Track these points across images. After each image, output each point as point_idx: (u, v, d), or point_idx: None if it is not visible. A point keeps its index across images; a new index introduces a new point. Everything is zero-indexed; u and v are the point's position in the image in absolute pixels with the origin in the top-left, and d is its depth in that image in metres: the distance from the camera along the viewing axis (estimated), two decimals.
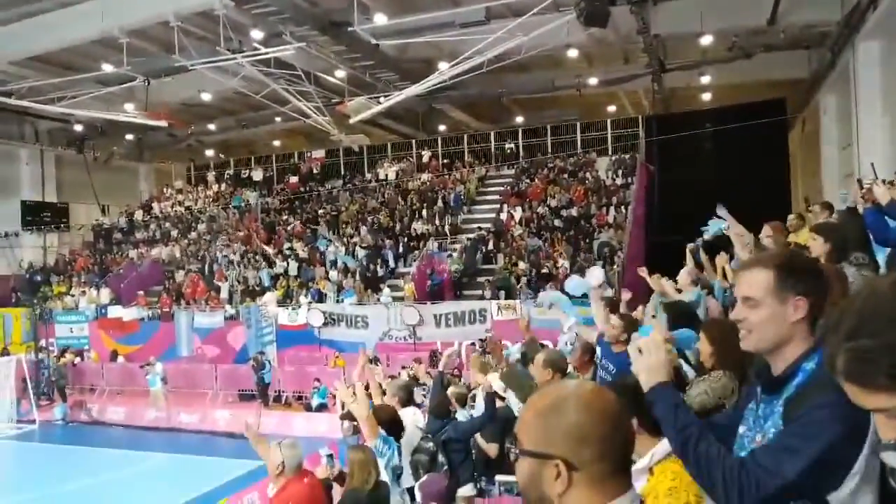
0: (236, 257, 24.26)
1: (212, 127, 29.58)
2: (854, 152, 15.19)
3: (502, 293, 18.01)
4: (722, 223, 6.36)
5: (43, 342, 21.05)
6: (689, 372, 3.48)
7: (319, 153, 29.99)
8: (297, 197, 27.88)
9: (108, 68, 20.46)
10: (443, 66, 18.50)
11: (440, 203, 24.23)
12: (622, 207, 21.04)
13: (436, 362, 12.74)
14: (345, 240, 23.46)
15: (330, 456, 5.32)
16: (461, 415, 6.32)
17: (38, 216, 29.50)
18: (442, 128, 29.51)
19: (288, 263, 22.67)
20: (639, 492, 1.42)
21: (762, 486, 1.57)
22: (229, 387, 18.15)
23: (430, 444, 5.45)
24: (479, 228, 22.12)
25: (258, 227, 26.31)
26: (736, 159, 20.33)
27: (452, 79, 18.41)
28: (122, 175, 33.47)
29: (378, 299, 19.52)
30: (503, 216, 22.50)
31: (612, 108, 27.58)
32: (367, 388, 6.31)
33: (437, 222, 23.23)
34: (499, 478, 5.80)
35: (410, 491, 5.04)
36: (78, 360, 20.29)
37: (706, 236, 7.23)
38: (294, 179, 29.17)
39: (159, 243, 27.22)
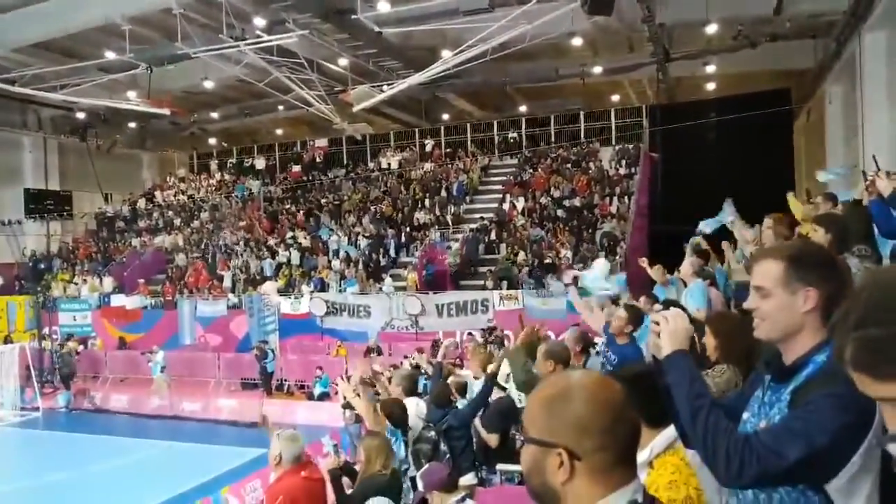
0: (239, 246, 24.28)
1: (214, 115, 29.52)
2: (859, 143, 15.10)
3: (504, 283, 18.00)
4: (727, 217, 6.36)
5: (46, 330, 21.15)
6: None
7: (322, 142, 29.93)
8: (299, 186, 27.84)
9: (110, 56, 20.42)
10: (446, 54, 18.40)
11: (443, 192, 24.18)
12: (625, 198, 20.97)
13: (437, 352, 12.77)
14: (347, 229, 23.45)
15: (335, 446, 5.30)
16: (461, 404, 6.35)
17: (41, 204, 29.53)
18: (445, 117, 29.40)
19: (290, 252, 22.68)
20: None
21: (763, 464, 1.58)
22: (232, 375, 18.19)
23: (432, 434, 5.47)
24: (482, 218, 22.08)
25: (261, 216, 26.30)
26: (740, 150, 20.21)
27: (456, 67, 18.32)
28: (125, 163, 33.46)
29: (380, 289, 19.53)
30: (506, 206, 22.45)
31: (615, 98, 27.44)
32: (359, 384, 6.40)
33: (439, 212, 23.19)
34: (500, 466, 5.81)
35: (413, 480, 5.05)
36: (81, 348, 20.34)
37: (707, 230, 7.22)
38: (296, 168, 29.12)
39: (162, 232, 27.24)
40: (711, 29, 18.17)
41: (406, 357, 14.50)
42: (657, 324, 1.90)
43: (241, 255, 23.65)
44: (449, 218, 22.68)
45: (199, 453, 13.04)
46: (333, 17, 17.63)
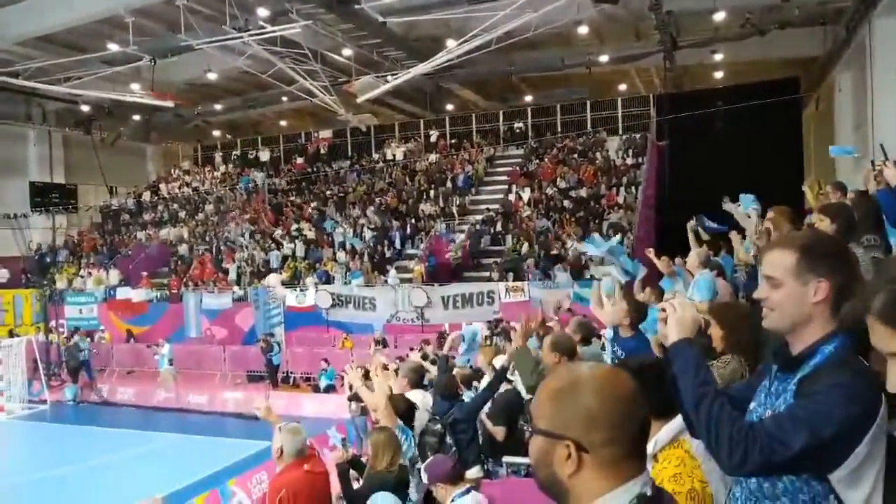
0: (244, 239, 24.26)
1: (218, 107, 29.47)
2: (868, 131, 14.93)
3: (510, 275, 17.93)
4: (749, 205, 6.26)
5: (53, 323, 21.21)
6: None
7: (326, 133, 29.86)
8: (304, 178, 27.78)
9: (113, 48, 20.35)
10: (451, 43, 18.27)
11: (448, 184, 24.08)
12: (632, 188, 20.84)
13: (443, 344, 12.73)
14: (352, 221, 23.40)
15: (343, 440, 5.30)
16: (467, 396, 6.30)
17: (46, 197, 29.59)
18: (450, 107, 29.26)
19: (295, 245, 22.65)
20: None
21: (766, 453, 1.58)
22: (238, 368, 18.20)
23: (438, 426, 5.42)
24: (488, 210, 21.98)
25: (266, 209, 26.27)
26: (749, 139, 20.05)
27: (461, 57, 18.18)
28: (130, 156, 33.47)
29: (385, 281, 19.49)
30: (511, 197, 22.35)
31: (622, 87, 27.25)
32: (366, 375, 6.33)
33: (444, 203, 23.10)
34: (506, 459, 5.77)
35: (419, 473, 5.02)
36: (89, 341, 20.37)
37: (708, 225, 7.13)
38: (301, 160, 29.06)
39: (167, 225, 27.25)
40: (719, 17, 17.96)
41: (412, 349, 14.47)
42: (664, 311, 1.90)
43: (247, 247, 23.63)
44: (454, 209, 22.60)
45: (205, 445, 13.08)
46: (337, 7, 17.53)
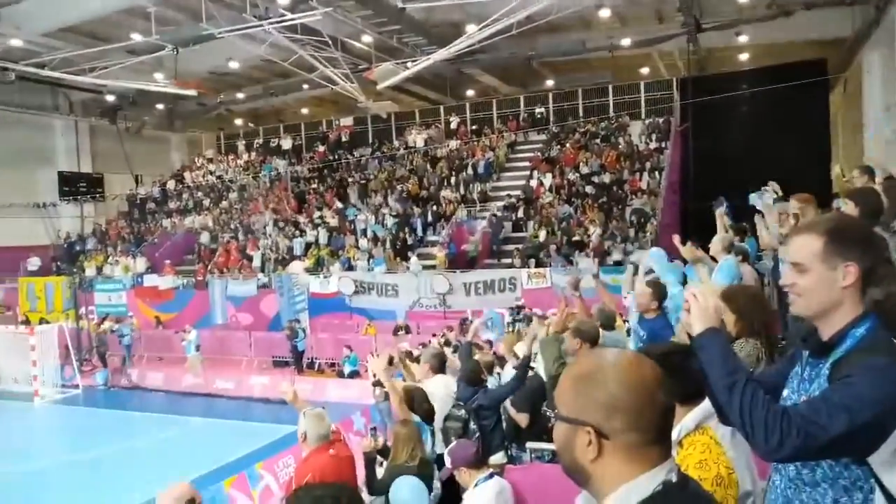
0: (268, 226, 24.51)
1: (240, 96, 29.64)
2: None
3: (532, 261, 17.92)
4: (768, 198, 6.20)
5: (83, 310, 21.65)
6: None
7: (347, 121, 29.94)
8: (325, 165, 27.93)
9: (136, 38, 20.55)
10: (471, 28, 18.18)
11: (469, 170, 24.06)
12: (656, 173, 20.65)
13: (465, 330, 12.80)
14: (373, 208, 23.51)
15: (374, 429, 5.32)
16: (491, 382, 6.34)
17: (74, 186, 30.09)
18: (470, 93, 29.14)
19: (318, 232, 22.84)
20: None
21: (803, 437, 1.57)
22: (264, 354, 18.48)
23: (462, 412, 5.46)
24: (509, 196, 21.94)
25: (288, 196, 26.47)
26: (775, 122, 19.71)
27: (481, 42, 18.10)
28: (154, 145, 33.89)
29: (408, 268, 19.60)
30: (533, 183, 22.28)
31: (645, 70, 26.90)
32: (390, 362, 6.37)
33: (465, 190, 23.10)
34: (530, 445, 5.81)
35: (440, 459, 5.07)
36: (117, 326, 20.80)
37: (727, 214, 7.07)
38: (322, 148, 29.20)
39: (192, 212, 27.60)
40: None
41: (434, 335, 14.58)
42: (687, 301, 1.87)
43: (270, 235, 23.88)
44: (475, 196, 22.59)
45: (232, 429, 13.30)
46: None
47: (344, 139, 29.30)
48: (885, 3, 15.32)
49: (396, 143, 28.06)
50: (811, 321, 1.82)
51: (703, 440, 2.23)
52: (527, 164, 23.93)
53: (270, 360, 18.32)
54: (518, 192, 22.00)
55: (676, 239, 7.09)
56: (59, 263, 26.04)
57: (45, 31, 21.71)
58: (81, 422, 15.31)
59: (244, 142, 32.56)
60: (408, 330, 16.97)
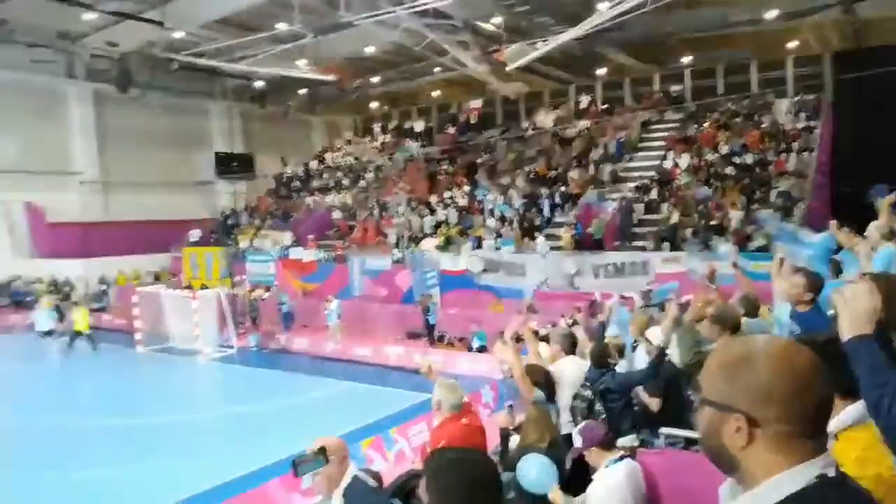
0: (402, 205, 25.58)
1: (375, 80, 30.89)
2: None
3: (666, 245, 17.52)
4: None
5: (237, 278, 23.81)
6: None
7: (477, 103, 30.38)
8: (455, 147, 28.59)
9: (282, 27, 22.00)
10: (602, 6, 17.88)
11: (599, 151, 23.75)
12: (804, 153, 19.41)
13: (594, 312, 12.87)
14: (502, 188, 23.85)
15: (510, 406, 5.42)
16: (620, 365, 6.29)
17: (228, 166, 32.87)
18: (601, 72, 28.59)
19: (448, 211, 23.55)
20: None
21: None
22: (397, 325, 19.46)
23: (588, 392, 5.46)
24: (641, 177, 21.49)
25: (420, 177, 27.42)
26: None
27: (613, 20, 17.75)
28: (298, 128, 36.17)
29: (535, 248, 19.81)
30: (667, 164, 21.65)
31: (793, 45, 25.15)
32: (518, 339, 6.32)
33: (595, 171, 22.85)
34: (663, 430, 5.72)
35: (568, 438, 4.91)
36: (267, 294, 22.71)
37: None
38: (453, 129, 29.86)
39: (332, 191, 29.30)
40: None
41: (562, 316, 14.73)
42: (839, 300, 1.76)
43: (404, 213, 24.92)
44: (606, 177, 22.30)
45: (369, 394, 14.15)
46: None
47: (473, 121, 29.80)
48: None
49: (525, 124, 28.15)
50: None
51: (865, 436, 2.05)
52: (661, 143, 23.24)
53: (404, 332, 19.27)
54: (651, 173, 21.48)
55: (834, 225, 6.82)
56: (216, 235, 28.62)
57: (202, 23, 23.71)
58: (236, 379, 16.86)
59: (380, 124, 33.93)
60: (535, 309, 17.23)
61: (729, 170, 19.90)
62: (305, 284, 22.53)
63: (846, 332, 1.71)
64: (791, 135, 20.48)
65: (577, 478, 4.24)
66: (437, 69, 27.96)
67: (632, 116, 24.94)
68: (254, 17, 23.21)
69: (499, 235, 20.99)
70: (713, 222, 17.51)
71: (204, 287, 22.12)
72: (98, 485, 9.29)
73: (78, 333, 18.46)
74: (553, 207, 21.89)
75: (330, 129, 38.06)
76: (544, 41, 20.41)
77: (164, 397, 14.77)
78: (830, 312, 4.50)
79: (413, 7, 18.60)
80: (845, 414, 2.11)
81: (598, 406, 5.40)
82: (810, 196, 17.52)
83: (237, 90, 34.80)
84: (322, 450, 3.05)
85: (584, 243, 19.05)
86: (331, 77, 28.33)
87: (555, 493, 3.91)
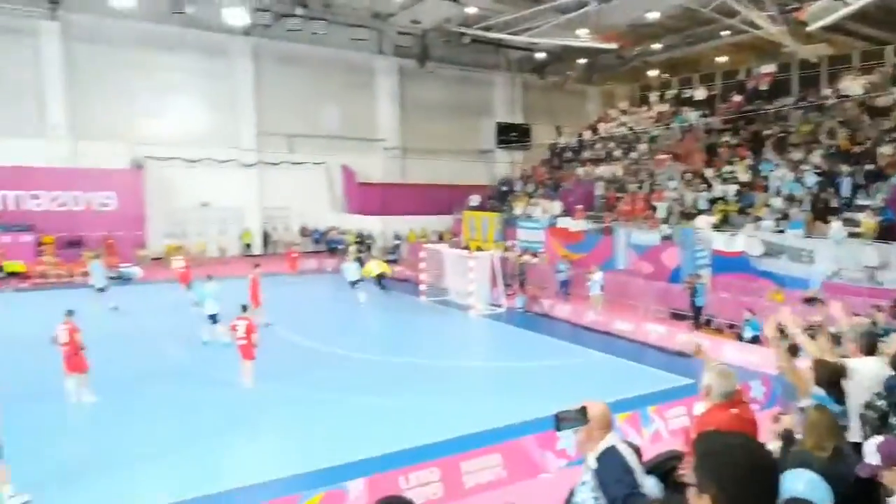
0: (674, 178, 24.72)
1: (657, 46, 29.86)
2: None
3: None
4: None
5: (509, 243, 25.43)
6: None
7: (769, 68, 27.69)
8: (740, 116, 26.54)
9: None
10: None
11: None
12: None
13: None
14: (792, 165, 21.68)
15: (802, 409, 5.03)
16: None
17: (507, 135, 34.75)
18: None
19: (727, 187, 22.18)
20: None
21: None
22: (661, 303, 19.17)
23: (883, 403, 4.95)
24: None
25: (698, 148, 26.10)
26: None
27: None
28: (574, 98, 36.70)
29: (828, 233, 17.83)
30: None
31: None
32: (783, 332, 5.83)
33: None
34: None
35: (857, 447, 4.38)
36: (535, 260, 23.95)
37: None
38: (738, 98, 27.69)
39: (603, 162, 29.35)
40: None
41: (856, 314, 13.25)
42: None
43: (676, 187, 24.08)
44: None
45: (626, 369, 14.30)
46: None
47: (763, 88, 27.25)
48: None
49: (826, 92, 24.97)
50: None
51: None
52: None
53: (667, 311, 18.93)
54: None
55: None
56: (493, 201, 30.71)
57: None
58: (502, 336, 18.20)
59: (657, 93, 32.82)
60: (818, 300, 15.63)
61: None
62: (571, 253, 23.19)
63: None
64: None
65: (861, 499, 3.67)
66: (724, 32, 26.11)
67: None
68: None
69: (784, 217, 19.25)
70: None
71: (479, 249, 24.14)
72: (380, 410, 11.15)
73: (377, 277, 22.51)
74: (855, 188, 19.33)
75: (605, 98, 37.85)
76: None
77: (439, 344, 16.76)
78: None
79: None
80: None
81: (893, 419, 4.90)
82: None
83: (519, 61, 36.34)
84: (583, 410, 3.21)
85: (893, 232, 16.66)
86: (611, 45, 28.15)
87: None
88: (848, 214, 18.43)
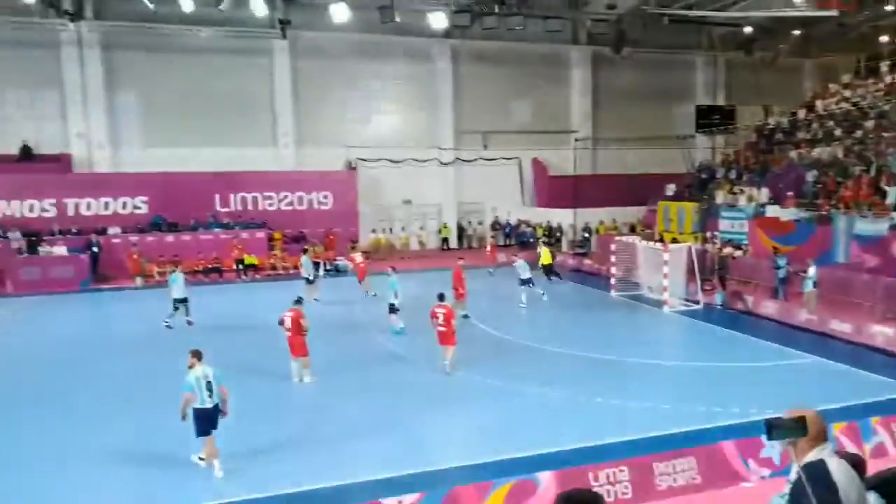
0: None
1: (889, 8, 26.29)
2: None
3: None
4: None
5: (708, 234, 24.10)
6: None
7: None
8: None
9: None
10: None
11: None
12: None
13: None
14: None
15: None
16: None
17: (708, 119, 32.82)
18: None
19: None
20: None
21: None
22: (889, 301, 17.11)
23: None
24: None
25: None
26: None
27: None
28: (786, 74, 33.59)
29: None
30: None
31: None
32: None
33: None
34: None
35: None
36: (738, 253, 22.46)
37: None
38: None
39: (821, 143, 26.56)
40: None
41: None
42: None
43: None
44: None
45: (844, 375, 13.07)
46: None
47: None
48: None
49: None
50: None
51: None
52: None
53: None
54: None
55: None
56: (691, 190, 29.24)
57: None
58: (698, 334, 17.43)
59: (889, 62, 28.84)
60: None
61: None
62: (780, 246, 21.41)
63: None
64: None
65: None
66: None
67: None
68: None
69: None
70: None
71: (675, 241, 23.17)
72: (571, 403, 11.44)
73: (544, 267, 23.09)
74: None
75: (823, 72, 34.08)
76: None
77: (632, 340, 16.51)
78: None
79: None
80: None
81: None
82: None
83: (723, 39, 34.07)
84: (802, 419, 3.02)
85: None
86: (831, 11, 25.32)
87: None
88: None
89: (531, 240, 31.25)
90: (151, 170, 28.29)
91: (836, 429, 8.94)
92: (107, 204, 27.79)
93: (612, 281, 22.24)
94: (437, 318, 13.34)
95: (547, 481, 7.71)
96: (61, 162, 28.58)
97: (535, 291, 20.58)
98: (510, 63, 33.71)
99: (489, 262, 26.39)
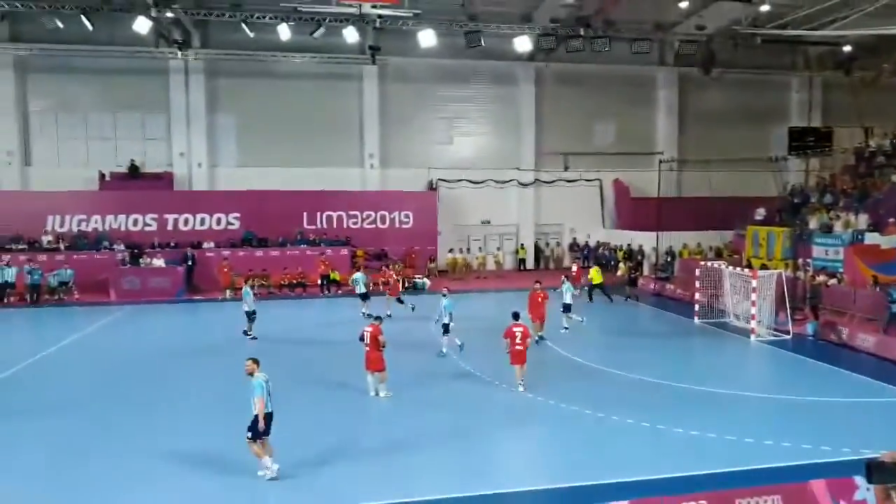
0: None
1: None
2: None
3: None
4: None
5: (800, 261, 22.97)
6: None
7: None
8: None
9: None
10: None
11: None
12: None
13: None
14: None
15: None
16: None
17: (802, 141, 31.38)
18: None
19: None
20: None
21: None
22: None
23: None
24: None
25: None
26: None
27: None
28: (890, 94, 31.70)
29: None
30: None
31: None
32: None
33: None
34: None
35: None
36: (833, 281, 21.28)
37: None
38: None
39: None
40: None
41: None
42: None
43: None
44: None
45: None
46: None
47: None
48: None
49: None
50: None
51: None
52: None
53: None
54: None
55: None
56: (782, 214, 27.98)
57: None
58: (786, 365, 16.64)
59: None
60: None
61: None
62: (879, 275, 20.16)
63: None
64: None
65: None
66: None
67: None
68: None
69: None
70: None
71: (764, 267, 22.21)
72: (649, 432, 11.18)
73: (595, 286, 24.03)
74: None
75: None
76: None
77: (715, 369, 15.96)
78: None
79: None
80: None
81: None
82: None
83: (820, 58, 32.69)
84: None
85: None
86: None
87: None
88: None
89: (612, 262, 30.74)
90: (244, 188, 29.90)
91: None
92: (203, 220, 29.59)
93: (696, 307, 21.55)
94: (514, 337, 13.41)
95: None
96: (164, 179, 30.70)
97: (574, 319, 19.62)
98: (594, 84, 33.62)
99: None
